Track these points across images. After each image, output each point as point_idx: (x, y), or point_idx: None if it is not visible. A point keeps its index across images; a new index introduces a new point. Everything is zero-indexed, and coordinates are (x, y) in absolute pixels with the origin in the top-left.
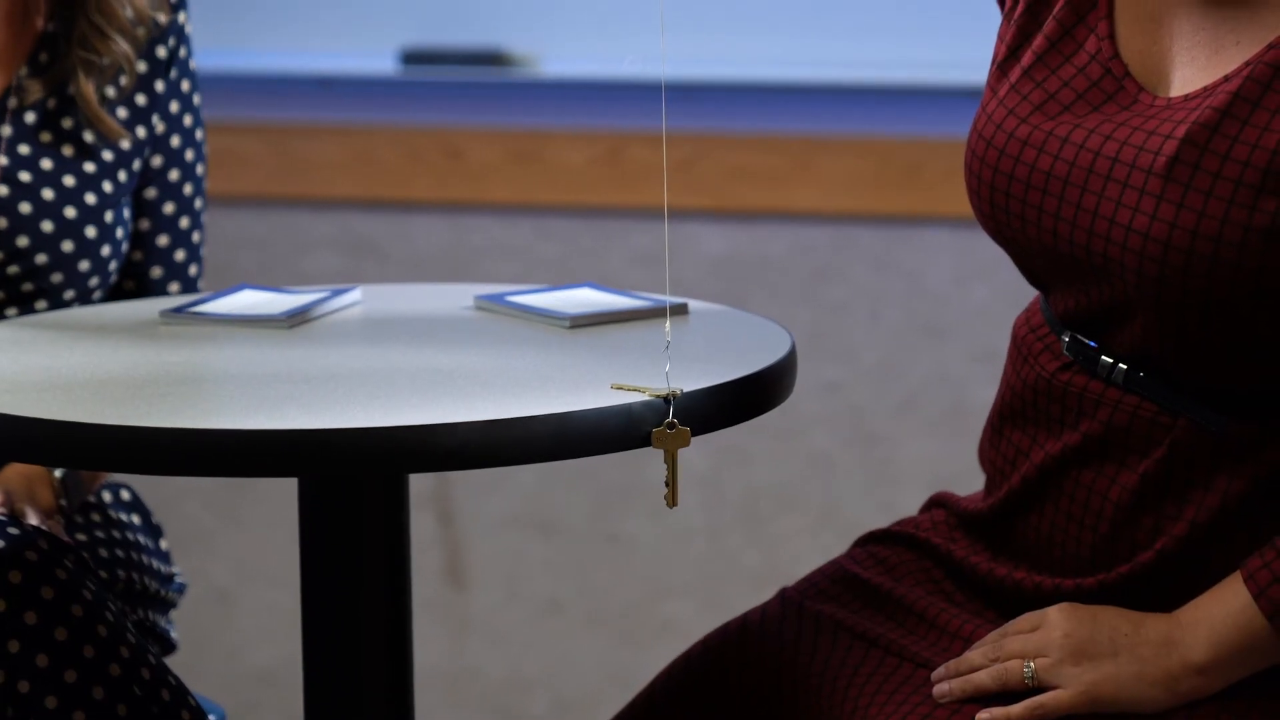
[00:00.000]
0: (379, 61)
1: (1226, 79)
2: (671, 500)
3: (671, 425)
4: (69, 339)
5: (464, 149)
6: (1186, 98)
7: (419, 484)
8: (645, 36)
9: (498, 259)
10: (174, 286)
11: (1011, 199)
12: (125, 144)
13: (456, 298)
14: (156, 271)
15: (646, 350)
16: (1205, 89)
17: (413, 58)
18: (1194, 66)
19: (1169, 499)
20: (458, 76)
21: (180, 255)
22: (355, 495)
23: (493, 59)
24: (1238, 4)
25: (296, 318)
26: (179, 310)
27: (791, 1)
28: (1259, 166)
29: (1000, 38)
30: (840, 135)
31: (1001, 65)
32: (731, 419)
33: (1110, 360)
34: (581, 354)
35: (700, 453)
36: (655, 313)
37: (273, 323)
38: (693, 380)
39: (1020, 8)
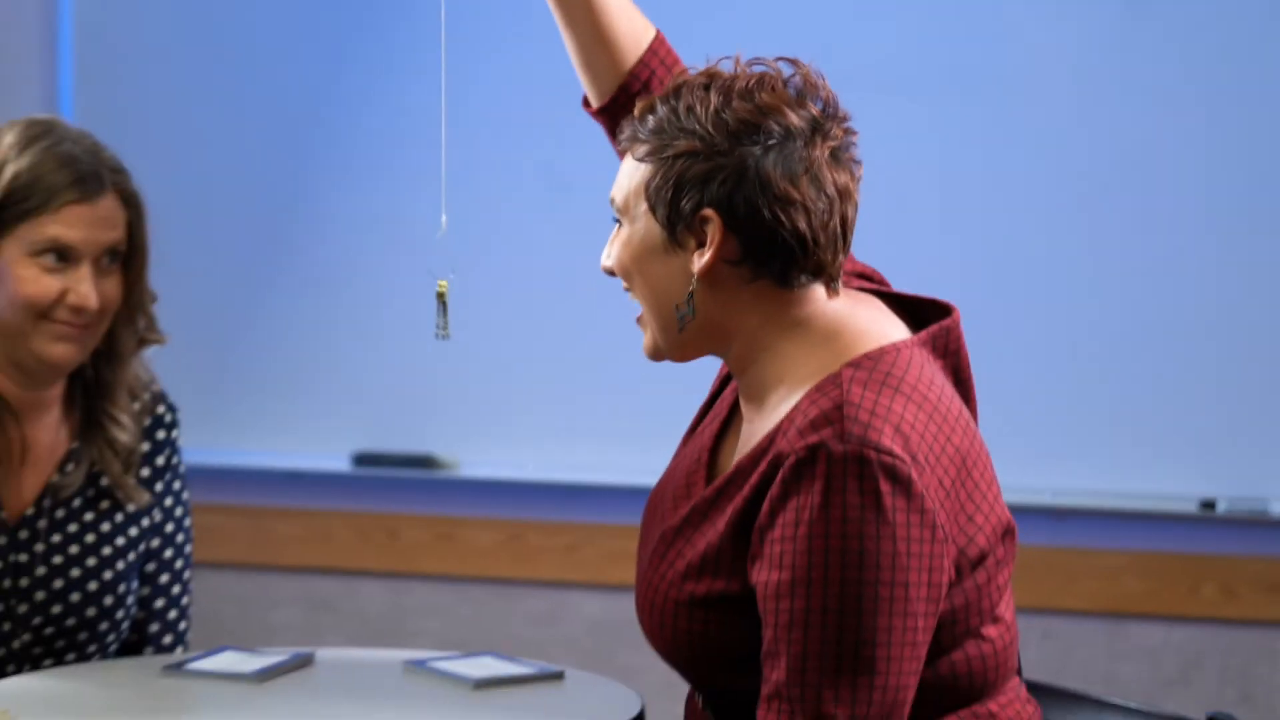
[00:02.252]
0: (335, 461)
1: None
2: (445, 331)
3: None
4: (90, 689)
5: (401, 530)
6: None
7: None
8: (544, 444)
9: (425, 617)
10: (167, 639)
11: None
12: (137, 527)
13: (391, 662)
14: (154, 628)
15: (528, 703)
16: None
17: (362, 460)
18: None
19: None
20: (397, 474)
21: (173, 615)
22: None
23: (425, 462)
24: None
25: (265, 676)
26: (176, 667)
27: (657, 410)
28: (694, 557)
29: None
30: None
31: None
32: None
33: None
34: (481, 707)
35: None
36: (538, 678)
37: (245, 679)
38: None
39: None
